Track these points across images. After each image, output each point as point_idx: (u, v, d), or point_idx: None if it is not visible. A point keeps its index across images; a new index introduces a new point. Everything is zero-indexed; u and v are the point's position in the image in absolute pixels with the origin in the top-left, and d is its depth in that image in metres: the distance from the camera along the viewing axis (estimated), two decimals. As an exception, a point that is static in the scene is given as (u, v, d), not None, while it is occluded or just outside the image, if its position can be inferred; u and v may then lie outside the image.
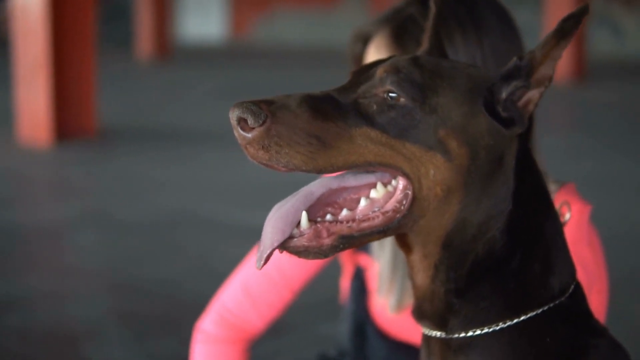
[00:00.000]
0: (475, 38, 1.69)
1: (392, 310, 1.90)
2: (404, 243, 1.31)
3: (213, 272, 4.45)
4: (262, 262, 1.23)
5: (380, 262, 1.90)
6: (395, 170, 1.22)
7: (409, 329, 1.93)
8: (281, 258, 1.92)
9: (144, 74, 14.94)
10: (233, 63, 17.14)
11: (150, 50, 16.48)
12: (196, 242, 5.01)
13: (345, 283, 2.12)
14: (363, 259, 2.00)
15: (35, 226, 5.25)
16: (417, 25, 1.75)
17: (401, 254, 1.84)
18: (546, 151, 1.85)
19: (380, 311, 1.97)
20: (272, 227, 1.23)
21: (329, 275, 2.50)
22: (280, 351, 3.39)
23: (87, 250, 4.79)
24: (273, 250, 1.22)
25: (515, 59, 1.30)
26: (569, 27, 1.26)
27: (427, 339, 1.35)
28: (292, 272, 1.94)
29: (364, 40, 1.86)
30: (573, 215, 1.66)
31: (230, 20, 23.28)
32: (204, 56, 18.63)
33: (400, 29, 1.77)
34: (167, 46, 16.88)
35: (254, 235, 5.22)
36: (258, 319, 1.96)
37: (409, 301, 1.87)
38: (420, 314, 1.33)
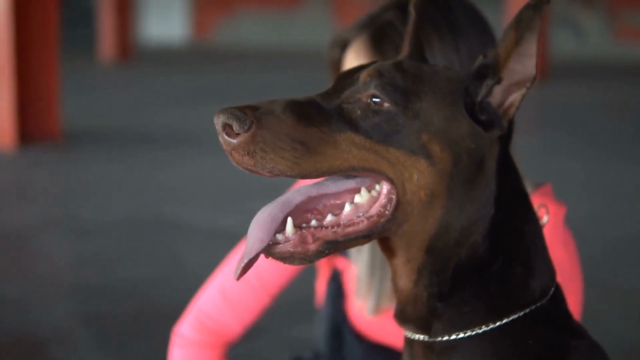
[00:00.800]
0: (452, 42, 1.71)
1: (370, 313, 1.91)
2: (387, 248, 1.32)
3: (182, 274, 4.45)
4: (240, 272, 1.23)
5: (358, 265, 1.91)
6: (379, 174, 1.23)
7: (386, 331, 1.94)
8: (259, 262, 1.92)
9: (107, 76, 14.85)
10: (196, 65, 17.08)
11: (112, 52, 16.38)
12: (164, 244, 4.99)
13: (320, 286, 2.13)
14: (340, 262, 2.00)
15: (0, 230, 5.21)
16: (395, 31, 1.76)
17: (379, 257, 1.85)
18: (522, 150, 1.87)
19: (357, 313, 1.98)
20: (252, 237, 1.24)
21: (302, 278, 2.50)
22: (254, 354, 3.38)
23: (53, 253, 4.76)
24: (251, 260, 1.22)
25: (480, 57, 1.31)
26: (528, 18, 1.26)
27: (409, 342, 1.36)
28: (269, 276, 1.94)
29: (342, 46, 1.87)
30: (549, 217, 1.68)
31: (192, 21, 23.19)
32: (166, 58, 18.55)
33: (379, 35, 1.78)
34: (129, 48, 16.79)
35: (223, 237, 5.25)
36: (236, 324, 1.96)
37: (387, 304, 1.89)
38: (403, 318, 1.34)
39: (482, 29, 1.77)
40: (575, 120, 9.60)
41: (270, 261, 1.90)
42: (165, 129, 9.21)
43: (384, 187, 1.24)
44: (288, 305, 3.57)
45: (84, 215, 5.55)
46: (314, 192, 1.26)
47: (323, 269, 2.07)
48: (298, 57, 18.94)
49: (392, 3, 1.83)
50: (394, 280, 1.34)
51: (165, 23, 22.98)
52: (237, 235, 5.07)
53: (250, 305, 1.96)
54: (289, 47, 20.82)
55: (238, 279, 1.22)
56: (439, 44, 1.70)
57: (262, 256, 1.94)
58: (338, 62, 1.89)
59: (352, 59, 1.81)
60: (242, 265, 1.22)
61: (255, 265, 1.92)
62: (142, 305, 3.99)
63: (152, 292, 4.16)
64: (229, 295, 1.95)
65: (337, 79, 1.33)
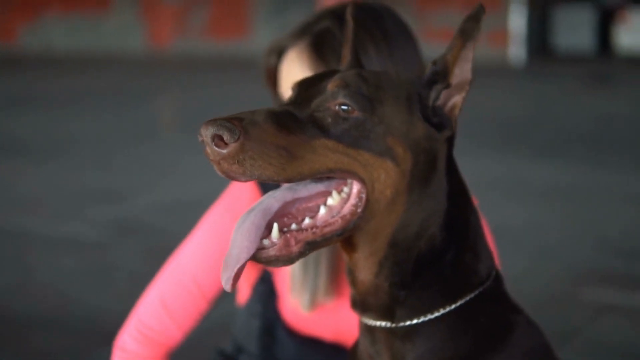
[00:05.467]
0: (386, 48, 1.81)
1: (305, 309, 1.98)
2: (349, 244, 1.42)
3: (30, 283, 4.45)
4: (231, 283, 1.27)
5: None
6: (352, 175, 1.33)
7: (320, 325, 2.03)
8: (196, 268, 1.97)
9: None
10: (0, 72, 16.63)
11: None
12: (7, 255, 4.92)
13: (243, 284, 2.17)
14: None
15: None
16: (334, 38, 1.84)
17: (312, 254, 1.93)
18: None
19: (291, 311, 2.05)
20: (236, 247, 1.29)
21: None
22: None
23: None
24: (240, 268, 1.27)
25: (430, 64, 1.44)
26: (470, 28, 1.40)
27: (370, 329, 1.47)
28: (207, 282, 1.98)
29: (279, 53, 1.95)
30: None
31: (-7, 27, 22.48)
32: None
33: (319, 41, 1.86)
34: None
35: (67, 245, 5.23)
36: (178, 332, 1.99)
37: (321, 299, 1.97)
38: (364, 307, 1.45)
39: (410, 37, 1.89)
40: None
41: (206, 267, 1.97)
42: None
43: (354, 188, 1.34)
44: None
45: None
46: (288, 197, 1.34)
47: (252, 271, 2.11)
48: (108, 62, 18.69)
49: (328, 12, 1.91)
50: (353, 273, 1.45)
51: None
52: (81, 242, 5.09)
53: (190, 312, 1.99)
54: (97, 52, 20.48)
55: (230, 289, 1.27)
56: (375, 50, 1.79)
57: (199, 263, 1.99)
58: (274, 69, 1.97)
59: (292, 66, 1.89)
60: (233, 274, 1.27)
61: (193, 271, 1.98)
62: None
63: (3, 303, 4.12)
64: (169, 304, 1.98)
65: (298, 87, 1.42)
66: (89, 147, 8.75)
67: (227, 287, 1.27)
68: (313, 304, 1.98)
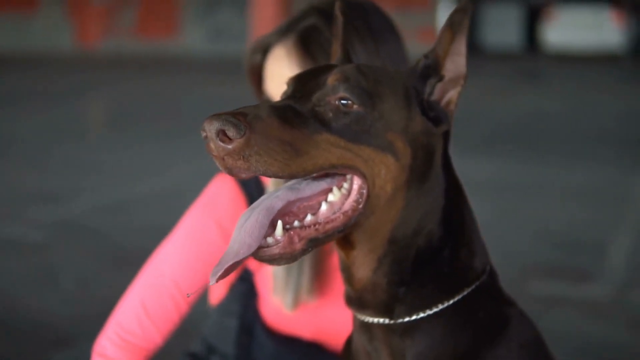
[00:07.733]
0: (373, 44, 1.79)
1: (288, 308, 1.96)
2: (347, 241, 1.40)
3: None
4: (221, 275, 1.24)
5: None
6: (353, 171, 1.31)
7: (300, 324, 2.02)
8: (176, 271, 1.93)
9: None
10: None
11: None
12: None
13: (218, 284, 2.13)
14: (252, 262, 2.03)
15: None
16: (321, 34, 1.83)
17: None
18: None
19: (272, 310, 2.02)
20: (237, 242, 1.26)
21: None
22: None
23: None
24: (235, 264, 1.24)
25: (422, 58, 1.43)
26: (458, 20, 1.39)
27: (366, 326, 1.45)
28: (187, 284, 1.94)
29: (264, 51, 1.92)
30: None
31: None
32: None
33: (306, 38, 1.84)
34: None
35: (10, 248, 5.18)
36: (158, 335, 1.95)
37: (305, 298, 1.95)
38: (361, 304, 1.43)
39: (395, 33, 1.87)
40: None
41: (186, 269, 1.94)
42: None
43: (355, 183, 1.33)
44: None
45: None
46: (292, 197, 1.32)
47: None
48: (36, 62, 18.43)
49: (313, 9, 1.89)
50: (350, 270, 1.43)
51: None
52: (22, 244, 5.01)
53: (171, 315, 1.95)
54: (25, 53, 20.18)
55: (217, 281, 1.24)
56: (362, 46, 1.77)
57: (179, 265, 1.96)
58: (259, 66, 1.94)
59: (279, 63, 1.87)
60: (226, 266, 1.23)
61: (174, 274, 1.94)
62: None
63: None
64: (150, 307, 1.94)
65: (294, 82, 1.40)
66: (22, 148, 8.61)
67: (212, 280, 1.24)
68: (296, 303, 1.96)
